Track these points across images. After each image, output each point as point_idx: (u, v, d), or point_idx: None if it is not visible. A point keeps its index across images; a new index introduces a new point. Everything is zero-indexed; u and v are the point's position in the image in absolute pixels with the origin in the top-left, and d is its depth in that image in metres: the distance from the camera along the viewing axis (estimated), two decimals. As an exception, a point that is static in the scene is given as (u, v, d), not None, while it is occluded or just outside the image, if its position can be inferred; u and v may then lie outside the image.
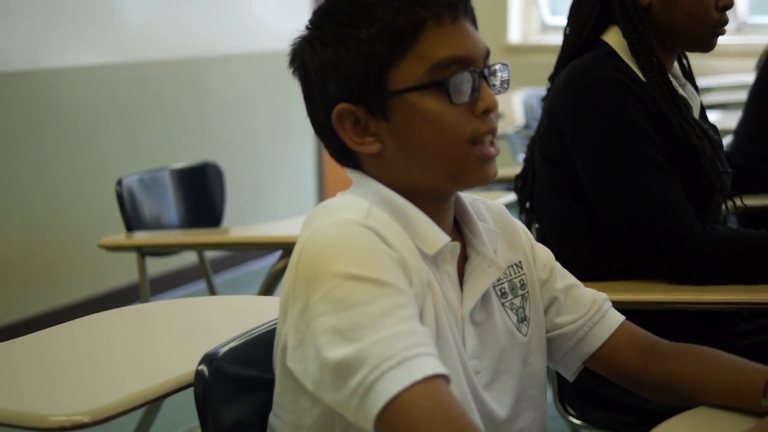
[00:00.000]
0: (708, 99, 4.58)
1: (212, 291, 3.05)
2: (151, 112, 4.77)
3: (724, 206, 1.99)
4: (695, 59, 2.11)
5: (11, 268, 4.07)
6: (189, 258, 4.43)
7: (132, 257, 2.74)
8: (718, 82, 5.42)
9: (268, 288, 2.54)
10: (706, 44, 1.95)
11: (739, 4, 6.31)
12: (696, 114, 2.01)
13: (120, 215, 2.82)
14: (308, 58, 1.25)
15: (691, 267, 1.84)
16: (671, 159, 1.88)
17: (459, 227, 1.34)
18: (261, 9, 5.48)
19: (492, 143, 1.23)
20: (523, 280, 1.38)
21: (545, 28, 7.37)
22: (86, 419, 1.29)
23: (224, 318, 1.79)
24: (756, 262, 1.83)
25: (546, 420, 1.40)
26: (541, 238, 2.04)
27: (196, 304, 1.95)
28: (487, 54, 1.25)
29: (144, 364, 1.54)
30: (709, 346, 1.40)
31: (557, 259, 1.46)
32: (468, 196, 1.37)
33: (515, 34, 7.14)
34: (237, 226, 3.14)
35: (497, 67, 1.26)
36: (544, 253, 1.44)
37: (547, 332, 1.41)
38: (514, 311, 1.36)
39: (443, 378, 1.08)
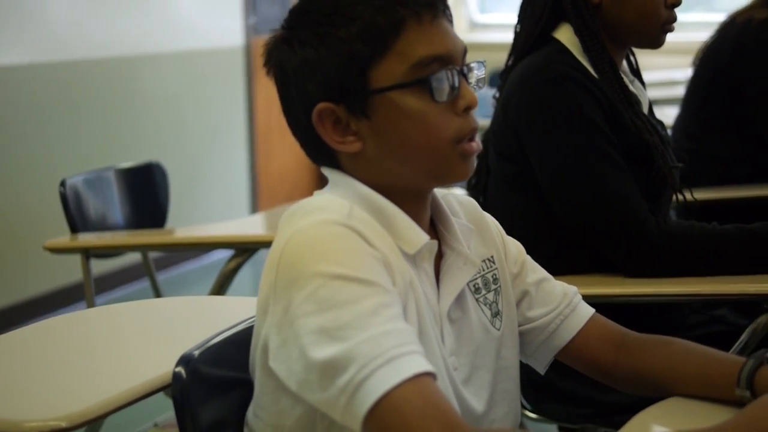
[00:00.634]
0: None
1: (156, 290, 3.02)
2: (86, 112, 4.70)
3: (674, 199, 2.03)
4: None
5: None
6: (132, 257, 4.40)
7: (76, 257, 2.70)
8: (648, 79, 5.50)
9: (220, 288, 2.53)
10: (656, 41, 1.98)
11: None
12: (645, 110, 2.05)
13: (64, 216, 2.77)
14: (286, 57, 1.25)
15: (647, 260, 1.87)
16: (624, 155, 1.91)
17: (434, 224, 1.34)
18: (189, 7, 5.44)
19: (472, 139, 1.24)
20: (495, 274, 1.39)
21: (474, 26, 7.42)
22: (64, 424, 1.26)
23: (188, 319, 1.78)
24: (709, 255, 1.86)
25: (520, 413, 1.42)
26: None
27: (155, 305, 1.93)
28: (465, 52, 1.26)
29: (115, 366, 1.51)
30: None
31: None
32: (439, 191, 1.37)
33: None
34: (180, 227, 3.11)
35: (474, 65, 1.26)
36: (515, 246, 1.45)
37: (519, 326, 1.42)
38: (487, 306, 1.36)
39: (431, 375, 1.09)
